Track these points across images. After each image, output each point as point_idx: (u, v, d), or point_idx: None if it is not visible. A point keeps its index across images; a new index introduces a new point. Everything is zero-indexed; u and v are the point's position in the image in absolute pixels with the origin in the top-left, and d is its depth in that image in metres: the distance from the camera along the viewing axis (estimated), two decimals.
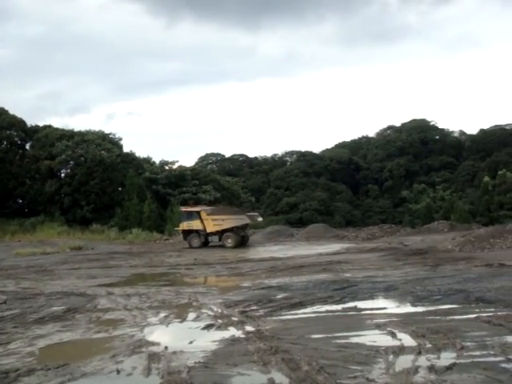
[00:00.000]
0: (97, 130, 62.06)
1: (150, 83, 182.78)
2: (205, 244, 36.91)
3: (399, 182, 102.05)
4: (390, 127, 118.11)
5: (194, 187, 60.95)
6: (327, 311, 12.42)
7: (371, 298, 13.97)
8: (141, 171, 59.51)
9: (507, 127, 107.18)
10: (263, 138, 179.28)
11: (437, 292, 13.91)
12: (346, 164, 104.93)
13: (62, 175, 58.01)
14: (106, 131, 62.47)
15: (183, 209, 39.69)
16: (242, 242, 37.41)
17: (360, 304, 13.05)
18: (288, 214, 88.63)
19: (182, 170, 64.28)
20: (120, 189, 56.18)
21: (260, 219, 40.82)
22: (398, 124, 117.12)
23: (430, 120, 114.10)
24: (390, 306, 12.71)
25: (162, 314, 12.93)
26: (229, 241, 36.46)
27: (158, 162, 66.02)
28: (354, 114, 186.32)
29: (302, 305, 13.17)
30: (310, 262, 23.91)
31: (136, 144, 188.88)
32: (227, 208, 43.21)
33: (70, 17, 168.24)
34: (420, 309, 12.23)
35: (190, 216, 37.50)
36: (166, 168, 64.68)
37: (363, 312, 12.11)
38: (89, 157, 55.42)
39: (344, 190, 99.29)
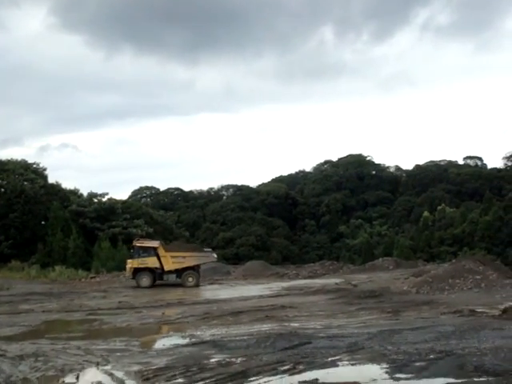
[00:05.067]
0: (19, 159, 57.76)
1: (88, 116, 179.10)
2: (154, 283, 33.40)
3: (336, 217, 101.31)
4: (326, 162, 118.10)
5: (124, 221, 57.19)
6: None
7: (333, 364, 10.76)
8: (67, 204, 55.51)
9: (441, 163, 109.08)
10: (200, 172, 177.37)
11: (416, 355, 10.84)
12: (283, 199, 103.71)
13: None
14: (30, 161, 58.32)
15: (137, 244, 34.52)
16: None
17: (321, 375, 9.88)
18: (224, 249, 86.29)
19: (112, 202, 60.35)
20: (43, 222, 52.21)
21: (215, 256, 37.24)
22: (334, 159, 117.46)
23: (366, 155, 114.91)
24: (362, 380, 9.47)
25: None
26: (190, 279, 33.33)
27: (86, 194, 61.86)
28: (291, 148, 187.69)
29: (244, 376, 9.95)
30: (250, 307, 21.23)
31: (71, 177, 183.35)
32: (184, 244, 40.36)
33: (2, 46, 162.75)
34: None
35: (145, 252, 33.60)
36: (95, 200, 60.52)
37: None
38: (9, 188, 51.33)
39: (281, 225, 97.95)
